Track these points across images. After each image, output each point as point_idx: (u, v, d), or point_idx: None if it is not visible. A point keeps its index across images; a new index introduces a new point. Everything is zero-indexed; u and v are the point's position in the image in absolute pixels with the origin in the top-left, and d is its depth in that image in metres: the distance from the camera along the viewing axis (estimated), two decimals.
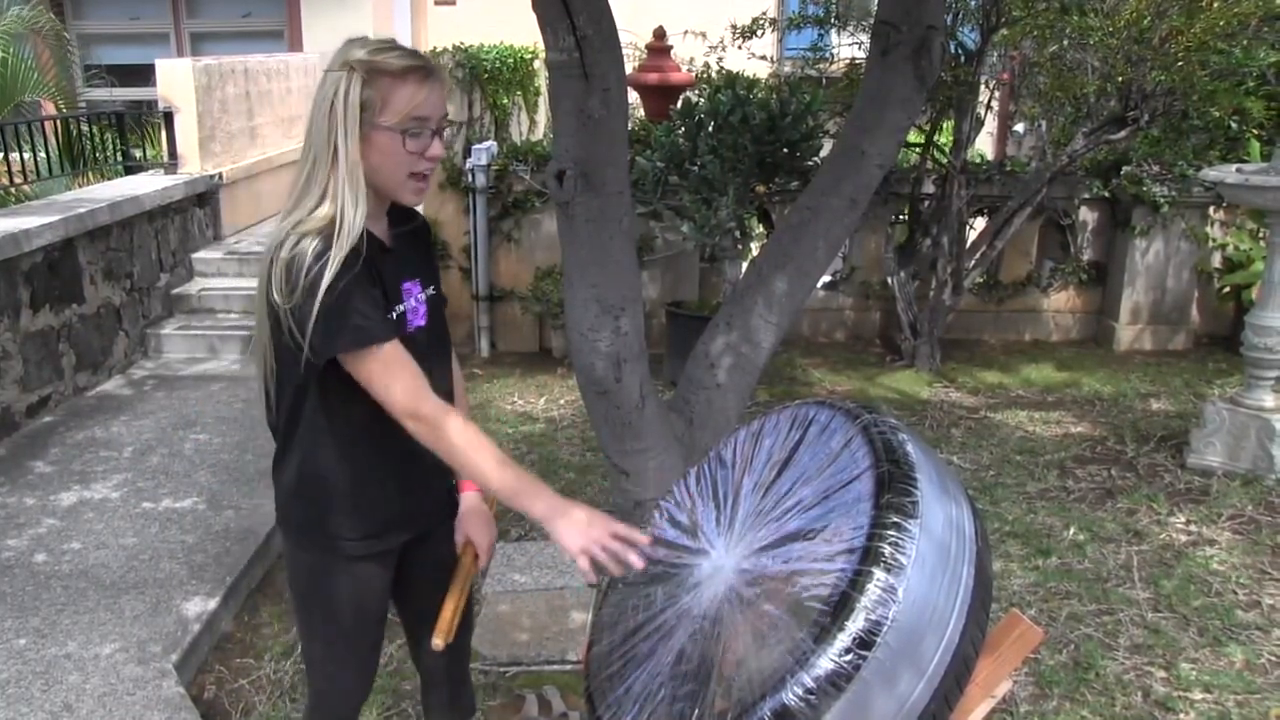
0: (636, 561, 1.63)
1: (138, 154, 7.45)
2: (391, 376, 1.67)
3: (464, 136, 7.12)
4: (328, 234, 1.64)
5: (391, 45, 1.71)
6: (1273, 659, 3.15)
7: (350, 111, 1.64)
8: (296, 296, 1.62)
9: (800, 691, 1.34)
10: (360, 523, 1.85)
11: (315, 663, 2.01)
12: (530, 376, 5.95)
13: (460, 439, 1.69)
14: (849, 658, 1.34)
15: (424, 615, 2.01)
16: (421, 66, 1.68)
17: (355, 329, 1.65)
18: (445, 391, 1.87)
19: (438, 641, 1.87)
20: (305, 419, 1.79)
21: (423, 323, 1.85)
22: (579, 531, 1.63)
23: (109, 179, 6.95)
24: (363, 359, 1.67)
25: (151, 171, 6.97)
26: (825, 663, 1.34)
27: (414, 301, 1.83)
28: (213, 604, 3.31)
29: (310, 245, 1.63)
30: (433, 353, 1.86)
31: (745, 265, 5.39)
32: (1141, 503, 4.23)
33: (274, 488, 1.91)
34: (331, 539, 1.86)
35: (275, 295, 1.65)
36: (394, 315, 1.76)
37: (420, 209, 1.92)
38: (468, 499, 2.05)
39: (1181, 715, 2.88)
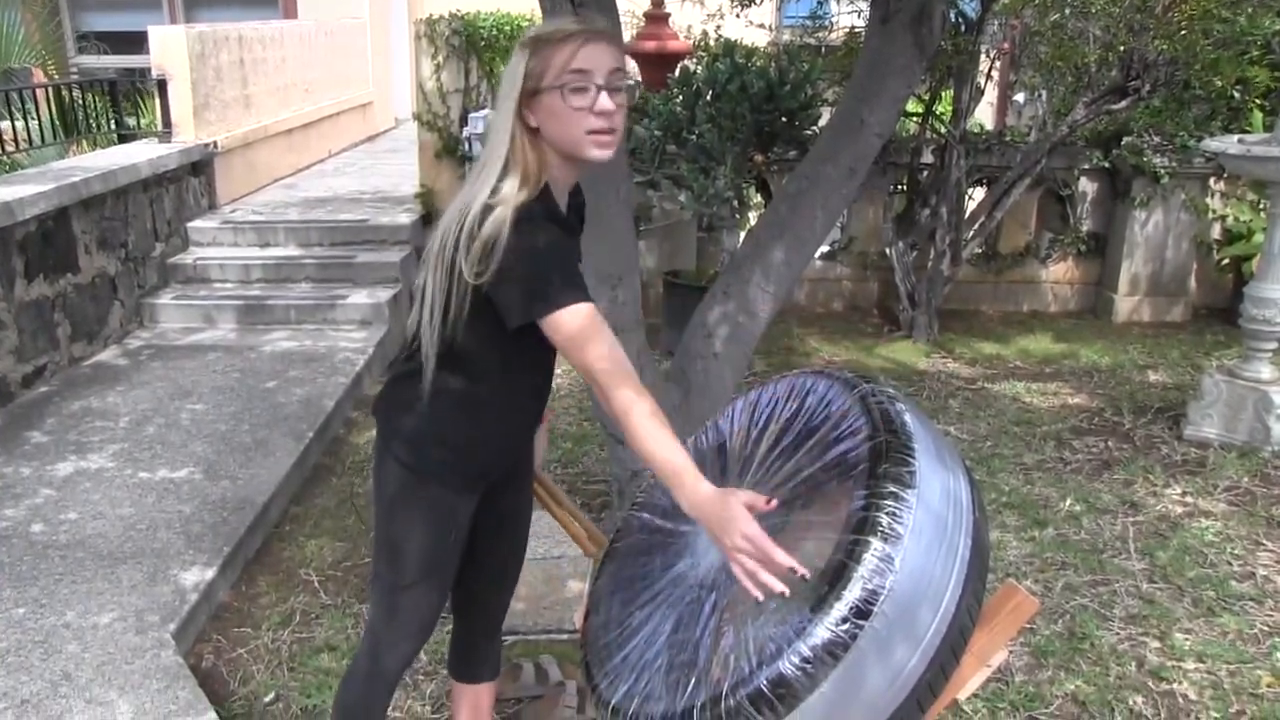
0: (767, 588, 1.43)
1: (131, 122, 7.39)
2: (596, 336, 1.66)
3: (460, 105, 7.07)
4: (520, 205, 1.67)
5: (568, 21, 1.77)
6: (1265, 629, 3.16)
7: (515, 83, 1.71)
8: (495, 268, 1.65)
9: (797, 660, 1.35)
10: (460, 463, 1.95)
11: (389, 588, 2.03)
12: None
13: (646, 423, 1.61)
14: (846, 627, 1.34)
15: (482, 561, 2.15)
16: (581, 30, 1.71)
17: (565, 287, 1.66)
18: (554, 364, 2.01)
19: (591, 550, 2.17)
20: (459, 368, 1.83)
21: None
22: (716, 541, 1.50)
23: (103, 147, 6.90)
24: (569, 317, 1.66)
25: (145, 140, 6.92)
26: (822, 632, 1.35)
27: None
28: (210, 574, 3.32)
29: (507, 216, 1.66)
30: None
31: (743, 235, 5.36)
32: (1138, 474, 4.23)
33: (385, 397, 1.99)
34: (434, 466, 1.93)
35: (465, 267, 1.67)
36: None
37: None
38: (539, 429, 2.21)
39: (1175, 685, 2.90)
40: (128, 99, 7.59)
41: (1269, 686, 2.89)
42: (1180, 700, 2.84)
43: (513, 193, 1.68)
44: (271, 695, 2.87)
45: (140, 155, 6.21)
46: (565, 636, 3.08)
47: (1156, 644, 3.09)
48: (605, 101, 1.69)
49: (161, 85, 6.75)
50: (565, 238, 1.75)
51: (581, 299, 1.66)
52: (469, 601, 2.24)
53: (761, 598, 1.42)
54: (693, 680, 1.47)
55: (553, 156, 1.75)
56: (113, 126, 7.07)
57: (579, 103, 1.68)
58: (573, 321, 1.65)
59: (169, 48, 6.73)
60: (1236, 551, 3.61)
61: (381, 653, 2.07)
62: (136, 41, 8.50)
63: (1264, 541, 3.69)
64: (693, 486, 1.53)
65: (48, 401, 4.81)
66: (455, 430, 1.92)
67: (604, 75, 1.69)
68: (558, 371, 2.18)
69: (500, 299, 1.68)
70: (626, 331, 3.15)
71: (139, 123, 7.53)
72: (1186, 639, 3.10)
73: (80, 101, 6.90)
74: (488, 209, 1.67)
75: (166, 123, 6.78)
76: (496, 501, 2.09)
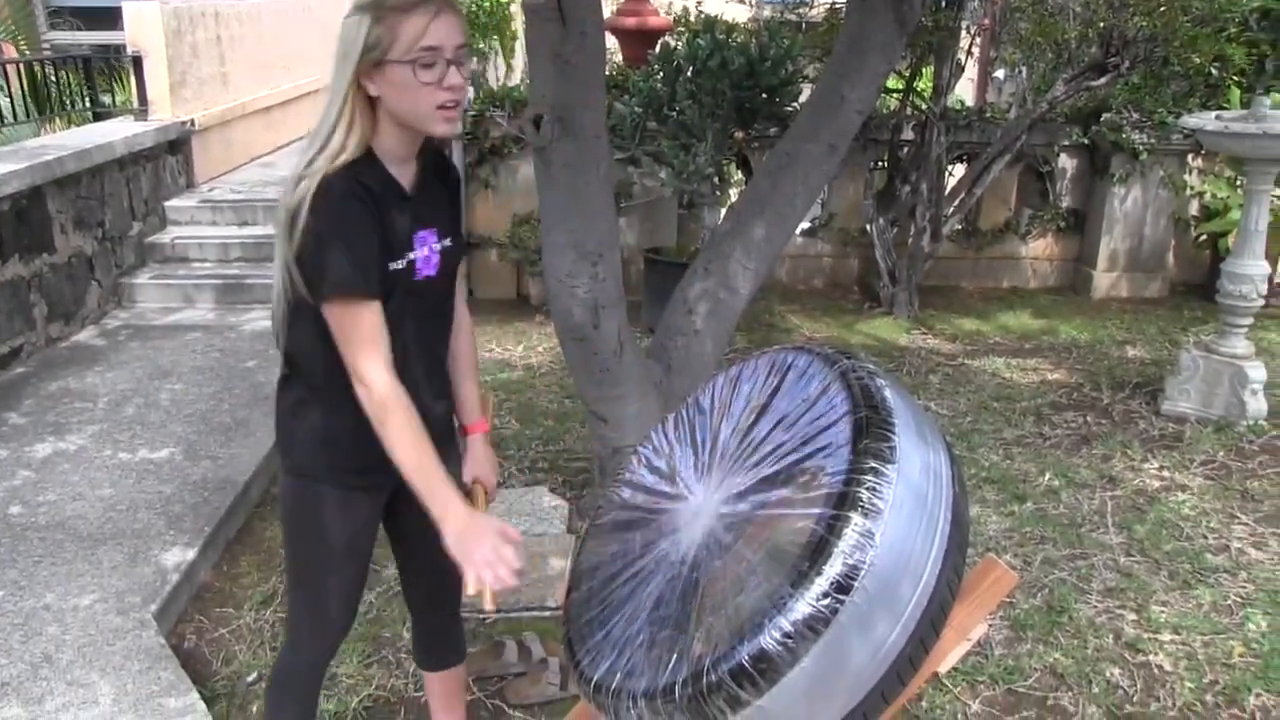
0: (506, 580, 1.68)
1: (106, 100, 7.30)
2: (359, 334, 1.68)
3: None
4: (323, 177, 1.66)
5: None
6: (1239, 600, 3.21)
7: (355, 51, 1.66)
8: (296, 242, 1.66)
9: (778, 635, 1.35)
10: (345, 459, 1.88)
11: (299, 590, 2.02)
12: (508, 324, 5.92)
13: (393, 430, 1.70)
14: (826, 602, 1.35)
15: (414, 553, 2.10)
16: (431, 1, 1.67)
17: (339, 277, 1.66)
18: (443, 345, 1.97)
19: (469, 592, 1.92)
20: (303, 357, 1.84)
21: (433, 273, 1.85)
22: (465, 551, 1.68)
23: (77, 125, 6.81)
24: (337, 308, 1.68)
25: (121, 118, 6.83)
26: (802, 607, 1.35)
27: (427, 250, 1.83)
28: (191, 554, 3.30)
29: (310, 189, 1.65)
30: (439, 302, 1.91)
31: (723, 212, 5.36)
32: (1116, 449, 4.27)
33: (275, 410, 1.98)
34: (318, 468, 1.89)
35: (284, 242, 1.69)
36: (402, 263, 1.77)
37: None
38: (474, 441, 2.11)
39: (1151, 656, 2.94)
40: (102, 76, 7.49)
41: (1241, 656, 2.93)
42: (1156, 671, 2.88)
43: (325, 164, 1.67)
44: (254, 675, 2.87)
45: (116, 133, 6.14)
46: (547, 613, 3.08)
47: (1133, 616, 3.12)
48: (454, 76, 1.68)
49: (137, 62, 6.67)
50: (364, 214, 1.68)
51: (346, 292, 1.66)
52: (415, 596, 2.22)
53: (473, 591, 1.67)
54: (674, 656, 1.48)
55: (389, 127, 1.72)
56: (87, 104, 6.98)
57: (429, 78, 1.66)
58: (332, 313, 1.68)
59: (144, 24, 6.63)
60: (1212, 525, 3.66)
61: (296, 649, 2.05)
62: (110, 17, 8.38)
63: (1238, 514, 3.73)
64: (456, 507, 1.70)
65: (25, 383, 4.77)
66: (311, 426, 1.87)
67: (452, 50, 1.68)
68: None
69: (302, 276, 1.70)
70: (608, 308, 3.14)
71: (114, 100, 7.43)
72: (1163, 611, 3.14)
73: (53, 78, 6.80)
74: (297, 181, 1.68)
75: (142, 100, 6.69)
76: (412, 499, 1.95)
